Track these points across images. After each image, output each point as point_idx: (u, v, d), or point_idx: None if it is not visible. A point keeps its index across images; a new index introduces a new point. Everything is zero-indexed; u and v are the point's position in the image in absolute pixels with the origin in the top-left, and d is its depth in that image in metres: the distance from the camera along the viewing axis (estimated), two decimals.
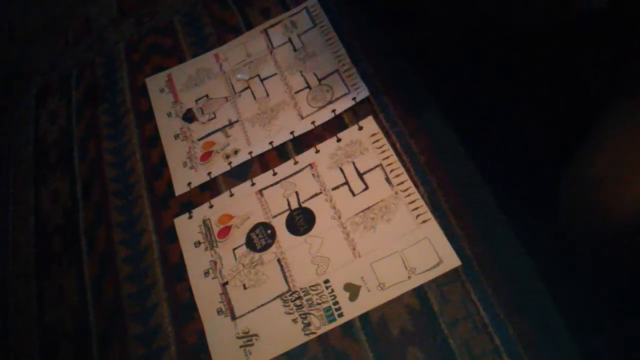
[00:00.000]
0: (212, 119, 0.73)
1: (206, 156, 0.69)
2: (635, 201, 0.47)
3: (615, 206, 0.48)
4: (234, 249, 0.61)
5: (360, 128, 0.64)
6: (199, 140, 0.71)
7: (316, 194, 0.62)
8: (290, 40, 0.76)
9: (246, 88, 0.74)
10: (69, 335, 0.63)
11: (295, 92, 0.70)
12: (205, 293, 0.59)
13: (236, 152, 0.68)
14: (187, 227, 0.64)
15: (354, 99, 0.66)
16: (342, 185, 0.61)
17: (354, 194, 0.60)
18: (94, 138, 0.77)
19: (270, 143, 0.67)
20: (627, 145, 0.48)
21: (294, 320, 0.55)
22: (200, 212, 0.65)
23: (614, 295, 0.55)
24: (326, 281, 0.56)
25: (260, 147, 0.67)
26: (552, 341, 0.49)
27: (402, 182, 0.59)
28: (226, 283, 0.59)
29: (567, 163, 0.55)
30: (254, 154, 0.67)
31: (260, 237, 0.61)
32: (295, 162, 0.65)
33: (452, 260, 0.53)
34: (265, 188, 0.64)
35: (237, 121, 0.71)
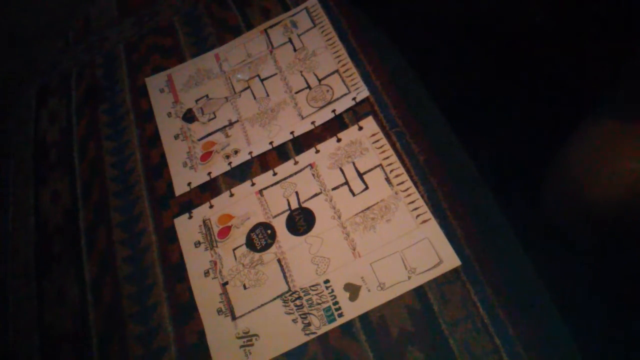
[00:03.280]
0: (212, 119, 0.73)
1: (206, 156, 0.69)
2: (634, 202, 0.47)
3: (615, 207, 0.48)
4: (234, 249, 0.61)
5: (360, 128, 0.64)
6: (199, 140, 0.71)
7: (316, 194, 0.62)
8: (290, 40, 0.76)
9: (246, 88, 0.74)
10: (69, 336, 0.63)
11: (295, 92, 0.70)
12: (205, 293, 0.59)
13: (236, 152, 0.68)
14: (187, 227, 0.64)
15: (354, 99, 0.66)
16: (342, 185, 0.61)
17: (354, 194, 0.60)
18: (94, 138, 0.77)
19: (270, 143, 0.67)
20: (626, 149, 0.48)
21: (294, 320, 0.55)
22: (200, 212, 0.65)
23: (614, 295, 0.55)
24: (326, 281, 0.56)
25: (260, 147, 0.67)
26: (552, 341, 0.49)
27: (402, 182, 0.59)
28: (226, 283, 0.59)
29: (567, 163, 0.55)
30: (254, 154, 0.67)
31: (260, 237, 0.61)
32: (295, 162, 0.65)
33: (452, 260, 0.53)
34: (265, 188, 0.64)
35: (237, 121, 0.71)
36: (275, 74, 0.73)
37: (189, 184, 0.68)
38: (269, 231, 0.61)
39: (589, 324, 0.52)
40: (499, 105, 0.68)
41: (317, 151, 0.65)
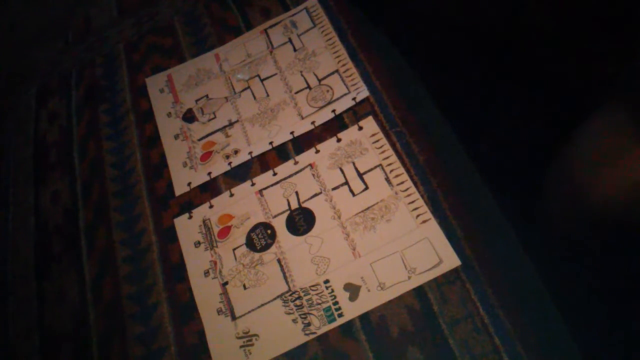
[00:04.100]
0: (212, 119, 0.73)
1: (206, 156, 0.69)
2: (634, 203, 0.47)
3: (614, 208, 0.48)
4: (234, 249, 0.61)
5: (360, 128, 0.64)
6: (199, 140, 0.71)
7: (316, 194, 0.62)
8: (290, 40, 0.76)
9: (246, 88, 0.74)
10: (69, 335, 0.63)
11: (295, 92, 0.70)
12: (205, 293, 0.59)
13: (236, 152, 0.68)
14: (187, 227, 0.64)
15: (353, 99, 0.66)
16: (342, 185, 0.61)
17: (354, 194, 0.60)
18: (94, 138, 0.77)
19: (270, 143, 0.67)
20: (626, 148, 0.48)
21: (294, 320, 0.55)
22: (200, 212, 0.65)
23: (614, 295, 0.55)
24: (326, 281, 0.56)
25: (260, 147, 0.67)
26: (552, 341, 0.49)
27: (402, 182, 0.59)
28: (226, 283, 0.59)
29: (567, 163, 0.55)
30: (254, 154, 0.67)
31: (260, 237, 0.61)
32: (295, 162, 0.65)
33: (452, 260, 0.53)
34: (265, 188, 0.64)
35: (237, 121, 0.71)
36: (275, 74, 0.73)
37: (189, 184, 0.68)
38: (269, 231, 0.61)
39: (589, 324, 0.52)
40: (499, 105, 0.68)
41: (317, 151, 0.65)
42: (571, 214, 0.55)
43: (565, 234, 0.58)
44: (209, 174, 0.67)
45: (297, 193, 0.63)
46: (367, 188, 0.60)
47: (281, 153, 0.66)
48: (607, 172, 0.49)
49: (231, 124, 0.71)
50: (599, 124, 0.52)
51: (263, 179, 0.65)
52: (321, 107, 0.68)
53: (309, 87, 0.70)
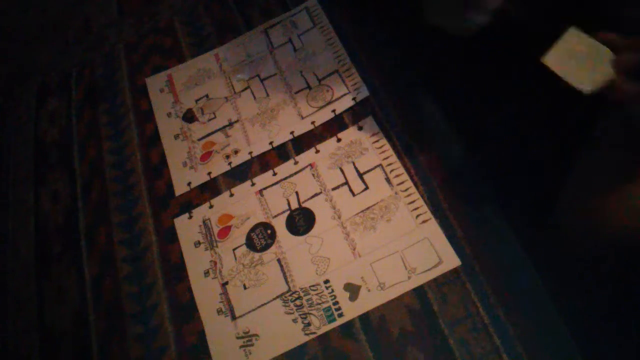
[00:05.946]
0: (212, 119, 0.73)
1: (206, 156, 0.69)
2: (632, 204, 0.47)
3: (613, 208, 0.48)
4: (234, 249, 0.61)
5: (360, 128, 0.64)
6: (199, 140, 0.71)
7: (316, 194, 0.62)
8: (290, 40, 0.76)
9: (246, 88, 0.74)
10: (69, 335, 0.63)
11: (295, 92, 0.70)
12: (205, 293, 0.59)
13: (236, 152, 0.68)
14: (187, 227, 0.64)
15: (354, 99, 0.66)
16: (342, 185, 0.61)
17: (354, 194, 0.60)
18: (94, 138, 0.77)
19: (270, 143, 0.67)
20: (626, 152, 0.48)
21: (294, 320, 0.55)
22: (200, 212, 0.65)
23: (613, 295, 0.55)
24: (326, 281, 0.56)
25: (260, 147, 0.67)
26: (552, 341, 0.49)
27: (402, 182, 0.59)
28: (226, 283, 0.59)
29: (567, 165, 0.55)
30: (254, 154, 0.67)
31: (260, 237, 0.61)
32: (295, 162, 0.65)
33: (452, 260, 0.53)
34: (265, 188, 0.64)
35: (237, 121, 0.71)
36: (275, 74, 0.73)
37: (189, 184, 0.68)
38: (269, 231, 0.61)
39: (589, 324, 0.52)
40: (500, 104, 0.68)
41: (317, 151, 0.65)
42: (572, 214, 0.55)
43: (566, 234, 0.58)
44: (209, 173, 0.67)
45: (297, 193, 0.63)
46: (367, 188, 0.60)
47: (281, 153, 0.66)
48: (606, 172, 0.49)
49: (231, 124, 0.71)
50: (596, 127, 0.52)
51: (263, 179, 0.65)
52: (321, 107, 0.68)
53: (309, 87, 0.70)
